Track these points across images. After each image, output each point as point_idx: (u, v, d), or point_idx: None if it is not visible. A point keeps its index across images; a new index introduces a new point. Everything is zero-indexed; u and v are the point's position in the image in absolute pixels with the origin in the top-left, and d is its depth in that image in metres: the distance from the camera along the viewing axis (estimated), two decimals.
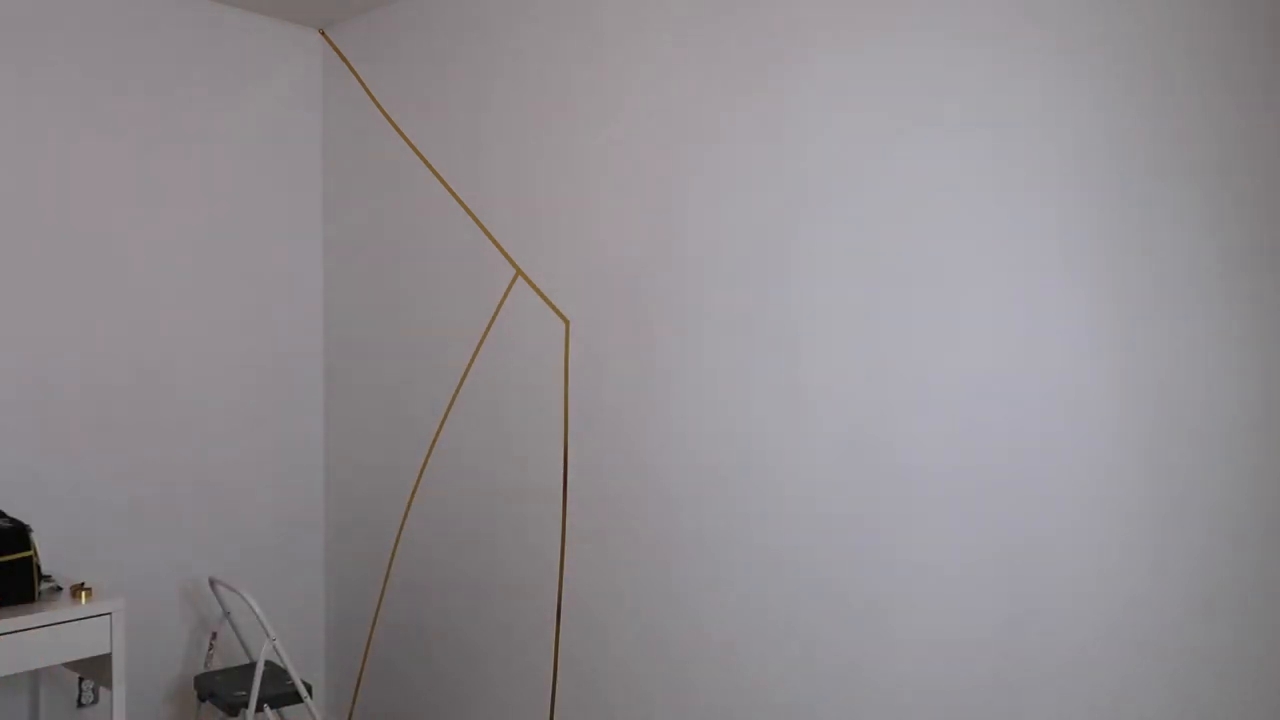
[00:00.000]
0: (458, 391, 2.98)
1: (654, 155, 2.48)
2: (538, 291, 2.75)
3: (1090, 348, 1.81)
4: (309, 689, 2.93)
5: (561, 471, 2.69)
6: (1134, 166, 1.76)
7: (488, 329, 2.88)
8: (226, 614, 3.03)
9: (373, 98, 3.27)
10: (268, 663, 2.84)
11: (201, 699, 2.96)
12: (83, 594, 2.47)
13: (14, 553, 2.40)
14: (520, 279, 2.80)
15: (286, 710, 3.05)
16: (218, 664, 3.11)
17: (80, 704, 2.89)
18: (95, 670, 2.55)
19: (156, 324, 3.08)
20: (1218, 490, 1.69)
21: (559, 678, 2.71)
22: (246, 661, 3.06)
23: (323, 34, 3.47)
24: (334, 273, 3.43)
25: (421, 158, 3.10)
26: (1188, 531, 1.72)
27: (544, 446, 2.74)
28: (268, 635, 2.81)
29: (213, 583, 3.02)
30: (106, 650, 2.47)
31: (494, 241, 2.87)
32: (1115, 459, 1.79)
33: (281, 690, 2.88)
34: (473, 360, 2.93)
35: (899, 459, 2.05)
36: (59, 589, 2.53)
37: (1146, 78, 1.75)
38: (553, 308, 2.72)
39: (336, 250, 3.43)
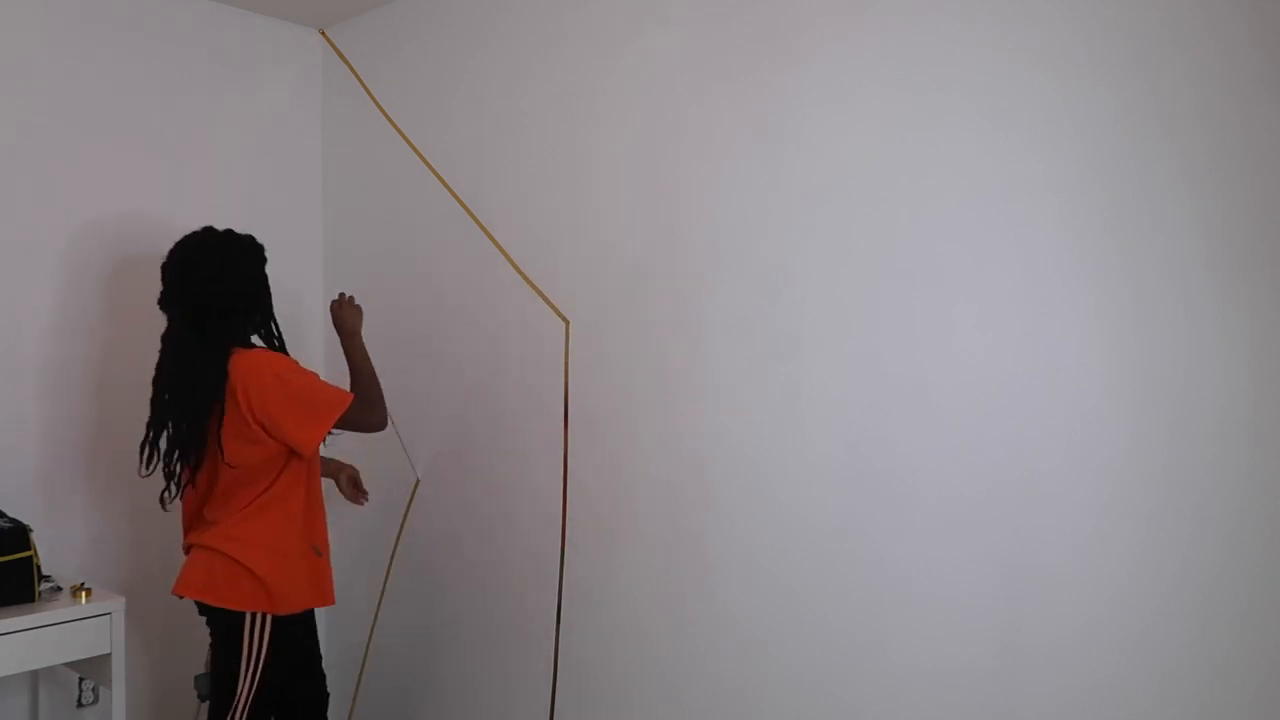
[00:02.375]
0: (458, 391, 2.98)
1: (654, 155, 2.48)
2: (538, 291, 2.75)
3: (1098, 354, 1.79)
4: None
5: (561, 471, 2.69)
6: (1142, 168, 1.74)
7: (488, 329, 2.88)
8: None
9: (373, 98, 3.27)
10: None
11: (202, 699, 2.96)
12: (82, 594, 2.47)
13: (14, 553, 2.41)
14: (520, 279, 2.79)
15: None
16: None
17: (80, 704, 2.90)
18: (95, 670, 2.55)
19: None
20: (1239, 503, 1.63)
21: (559, 678, 2.71)
22: None
23: (323, 34, 3.47)
24: (334, 273, 3.43)
25: (422, 158, 3.10)
26: (1204, 544, 1.67)
27: (544, 446, 2.74)
28: None
29: None
30: (106, 650, 2.47)
31: (494, 241, 2.87)
32: (1124, 468, 1.75)
33: None
34: (473, 360, 2.93)
35: (899, 461, 2.04)
36: (59, 589, 2.53)
37: (1153, 78, 1.74)
38: (553, 308, 2.71)
39: (336, 250, 3.43)
